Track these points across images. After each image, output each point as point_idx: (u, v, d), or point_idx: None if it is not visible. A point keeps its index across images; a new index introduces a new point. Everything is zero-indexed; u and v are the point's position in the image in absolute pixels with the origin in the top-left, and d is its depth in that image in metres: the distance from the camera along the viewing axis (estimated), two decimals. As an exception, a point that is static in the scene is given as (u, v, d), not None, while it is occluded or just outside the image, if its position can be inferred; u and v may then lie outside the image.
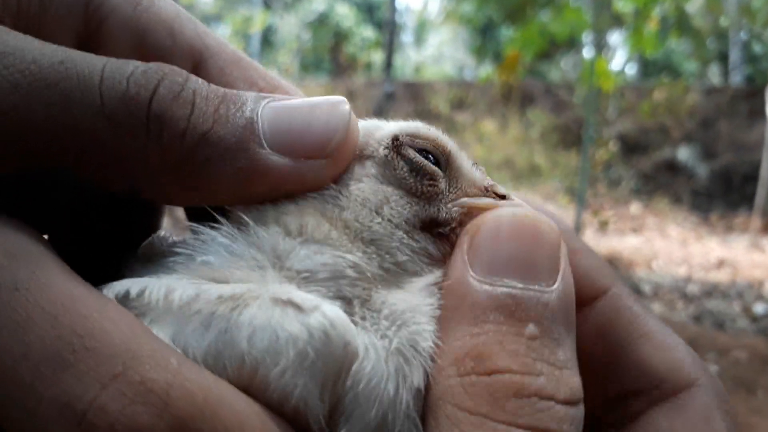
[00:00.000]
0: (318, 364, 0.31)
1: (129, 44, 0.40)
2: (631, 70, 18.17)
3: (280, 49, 19.37)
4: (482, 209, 0.38)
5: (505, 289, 0.33)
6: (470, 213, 0.39)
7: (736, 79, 14.71)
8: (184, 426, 0.28)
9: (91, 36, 0.39)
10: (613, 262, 6.10)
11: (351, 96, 11.72)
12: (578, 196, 6.32)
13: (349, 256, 0.36)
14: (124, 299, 0.32)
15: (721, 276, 6.20)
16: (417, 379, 0.34)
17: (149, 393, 0.27)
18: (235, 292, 0.33)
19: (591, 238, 7.06)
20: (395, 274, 0.37)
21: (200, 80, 0.35)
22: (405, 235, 0.38)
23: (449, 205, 0.40)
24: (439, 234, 0.39)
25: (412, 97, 11.75)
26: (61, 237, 0.41)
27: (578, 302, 0.36)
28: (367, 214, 0.38)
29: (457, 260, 0.35)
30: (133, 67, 0.33)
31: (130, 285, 0.33)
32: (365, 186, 0.39)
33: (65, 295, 0.29)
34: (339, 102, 0.37)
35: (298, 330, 0.31)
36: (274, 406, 0.31)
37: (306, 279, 0.35)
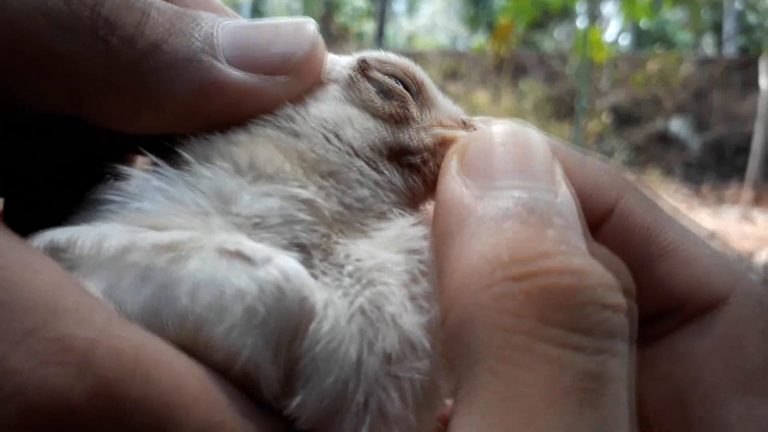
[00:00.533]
0: (270, 321, 0.28)
1: None
2: (625, 40, 18.07)
3: (270, 19, 19.09)
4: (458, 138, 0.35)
5: (513, 197, 0.28)
6: (444, 144, 0.36)
7: (730, 49, 14.63)
8: (109, 388, 0.24)
9: None
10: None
11: (342, 66, 11.60)
12: (571, 167, 6.27)
13: (303, 193, 0.32)
14: (53, 250, 0.29)
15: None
16: (388, 342, 0.30)
17: (68, 351, 0.24)
18: (175, 240, 0.29)
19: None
20: (359, 216, 0.34)
21: None
22: (366, 165, 0.35)
23: (421, 133, 0.36)
24: (408, 164, 0.36)
25: (404, 67, 11.62)
26: (13, 192, 0.37)
27: (593, 224, 0.31)
28: (324, 141, 0.34)
29: (448, 182, 0.31)
30: None
31: (60, 235, 0.30)
32: (326, 107, 0.36)
33: None
34: (305, 21, 0.35)
35: (247, 284, 0.28)
36: (221, 368, 0.27)
37: (256, 225, 0.31)
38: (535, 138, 0.31)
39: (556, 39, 18.43)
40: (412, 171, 0.36)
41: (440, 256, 0.31)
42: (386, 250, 0.33)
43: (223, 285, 0.28)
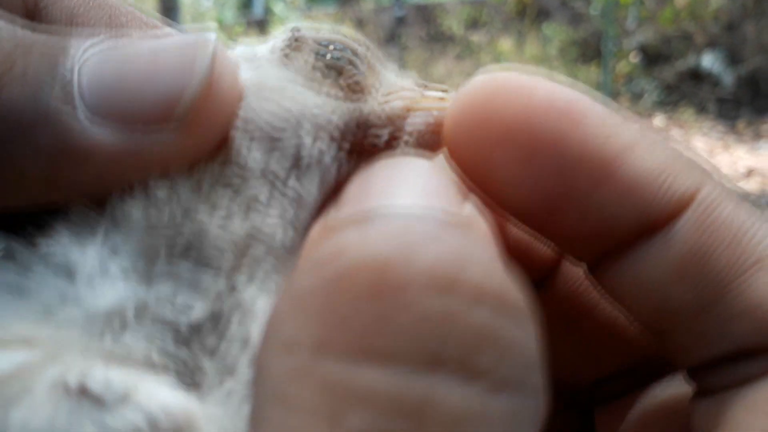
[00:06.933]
0: None
1: None
2: (651, -25, 17.48)
3: (285, -21, 18.88)
4: (430, 101, 0.28)
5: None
6: (413, 109, 0.28)
7: (762, -23, 14.08)
8: None
9: None
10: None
11: (360, 24, 11.44)
12: (600, 112, 6.15)
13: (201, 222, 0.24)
14: None
15: (751, 185, 6.05)
16: None
17: None
18: (7, 368, 0.20)
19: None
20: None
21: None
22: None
23: (383, 102, 0.28)
24: (371, 146, 0.27)
25: (424, 19, 11.40)
26: None
27: (650, 226, 0.24)
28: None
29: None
30: None
31: None
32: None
33: None
34: (199, 40, 0.24)
35: None
36: None
37: (120, 322, 0.22)
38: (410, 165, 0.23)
39: (578, -21, 17.90)
40: (368, 156, 0.27)
41: None
42: None
43: None
